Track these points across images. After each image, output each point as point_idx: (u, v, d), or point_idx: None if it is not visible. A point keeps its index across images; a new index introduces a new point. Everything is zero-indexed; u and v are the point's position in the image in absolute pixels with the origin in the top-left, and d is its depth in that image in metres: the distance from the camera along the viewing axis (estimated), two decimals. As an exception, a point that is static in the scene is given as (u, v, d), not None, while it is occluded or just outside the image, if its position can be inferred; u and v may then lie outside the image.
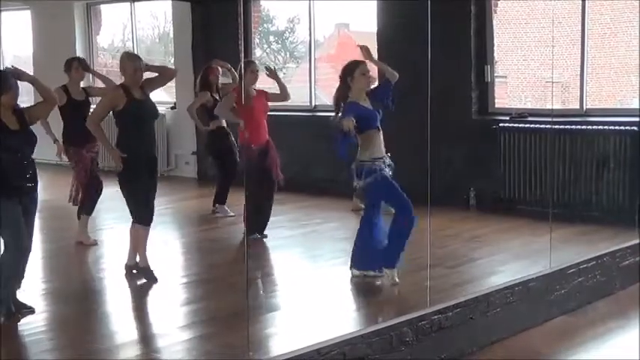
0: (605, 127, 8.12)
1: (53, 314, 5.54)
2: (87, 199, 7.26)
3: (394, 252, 5.94)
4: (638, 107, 8.74)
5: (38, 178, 5.29)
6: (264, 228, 7.41)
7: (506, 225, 8.06)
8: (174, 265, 6.93)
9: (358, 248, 6.11)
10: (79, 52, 11.83)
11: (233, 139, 8.39)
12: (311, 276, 6.60)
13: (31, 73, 5.70)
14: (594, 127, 8.19)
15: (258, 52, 11.96)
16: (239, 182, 7.58)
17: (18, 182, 5.11)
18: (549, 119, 8.17)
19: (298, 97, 10.28)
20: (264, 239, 7.37)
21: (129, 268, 6.30)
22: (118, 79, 6.56)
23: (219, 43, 10.59)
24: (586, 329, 6.14)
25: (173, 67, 9.95)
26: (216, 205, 8.67)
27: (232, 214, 8.42)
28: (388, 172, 5.93)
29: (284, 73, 12.47)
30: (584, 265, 6.55)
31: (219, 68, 8.68)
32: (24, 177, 5.17)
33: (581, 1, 8.44)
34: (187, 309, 5.67)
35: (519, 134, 8.57)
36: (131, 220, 6.19)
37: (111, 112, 6.10)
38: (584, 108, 8.60)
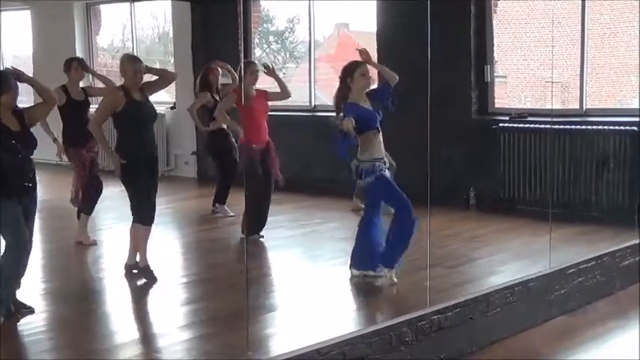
0: (605, 127, 8.12)
1: (53, 314, 5.54)
2: (87, 199, 7.26)
3: (393, 252, 5.94)
4: (637, 107, 8.73)
5: (38, 178, 5.29)
6: (261, 228, 7.42)
7: (506, 225, 8.06)
8: (174, 264, 6.92)
9: (358, 248, 6.12)
10: (79, 52, 11.83)
11: (233, 139, 8.39)
12: (311, 276, 6.60)
13: (31, 73, 5.70)
14: (594, 127, 8.19)
15: (257, 52, 11.95)
16: (239, 182, 7.59)
17: (18, 182, 5.11)
18: (549, 119, 8.17)
19: (298, 97, 10.29)
20: (261, 239, 7.38)
21: (129, 268, 6.30)
22: (118, 80, 6.56)
23: (219, 43, 10.58)
24: (586, 329, 6.13)
25: (173, 67, 9.94)
26: (216, 205, 8.68)
27: (232, 214, 8.42)
28: (388, 172, 5.93)
29: (284, 73, 12.48)
30: (584, 265, 6.54)
31: (219, 69, 8.69)
32: (24, 177, 5.16)
33: (581, 1, 8.43)
34: (187, 309, 5.67)
35: (519, 134, 8.57)
36: (131, 219, 6.19)
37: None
38: (584, 108, 8.59)
